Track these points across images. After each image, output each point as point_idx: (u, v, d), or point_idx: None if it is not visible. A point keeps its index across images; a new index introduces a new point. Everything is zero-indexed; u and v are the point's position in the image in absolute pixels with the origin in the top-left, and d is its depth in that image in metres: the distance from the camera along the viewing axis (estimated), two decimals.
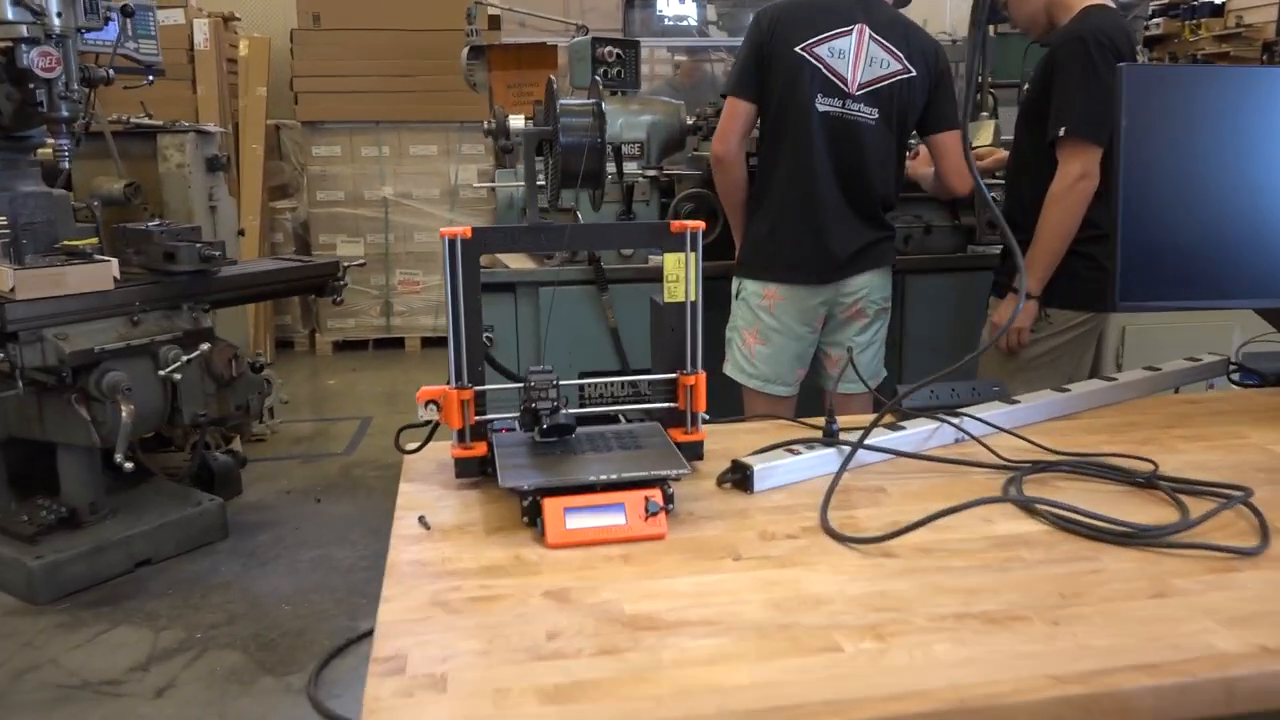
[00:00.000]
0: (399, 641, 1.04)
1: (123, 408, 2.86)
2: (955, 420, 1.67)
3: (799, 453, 1.52)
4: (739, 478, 1.47)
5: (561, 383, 1.47)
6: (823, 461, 1.53)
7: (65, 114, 2.96)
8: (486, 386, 1.49)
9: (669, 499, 1.35)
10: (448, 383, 1.46)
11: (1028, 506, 1.36)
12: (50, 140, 3.09)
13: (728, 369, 2.59)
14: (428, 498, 1.46)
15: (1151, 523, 1.28)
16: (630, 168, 2.88)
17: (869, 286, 2.57)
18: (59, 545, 3.12)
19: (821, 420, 1.79)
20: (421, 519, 1.36)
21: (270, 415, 4.78)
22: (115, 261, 2.99)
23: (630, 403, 1.59)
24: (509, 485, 1.31)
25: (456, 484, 1.49)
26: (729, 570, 1.20)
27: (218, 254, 3.12)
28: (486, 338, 2.80)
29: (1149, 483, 1.44)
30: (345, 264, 3.84)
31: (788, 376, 2.55)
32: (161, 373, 2.98)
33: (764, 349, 2.52)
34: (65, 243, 3.06)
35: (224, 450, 4.07)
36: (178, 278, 3.11)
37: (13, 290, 2.74)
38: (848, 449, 1.53)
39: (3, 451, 3.40)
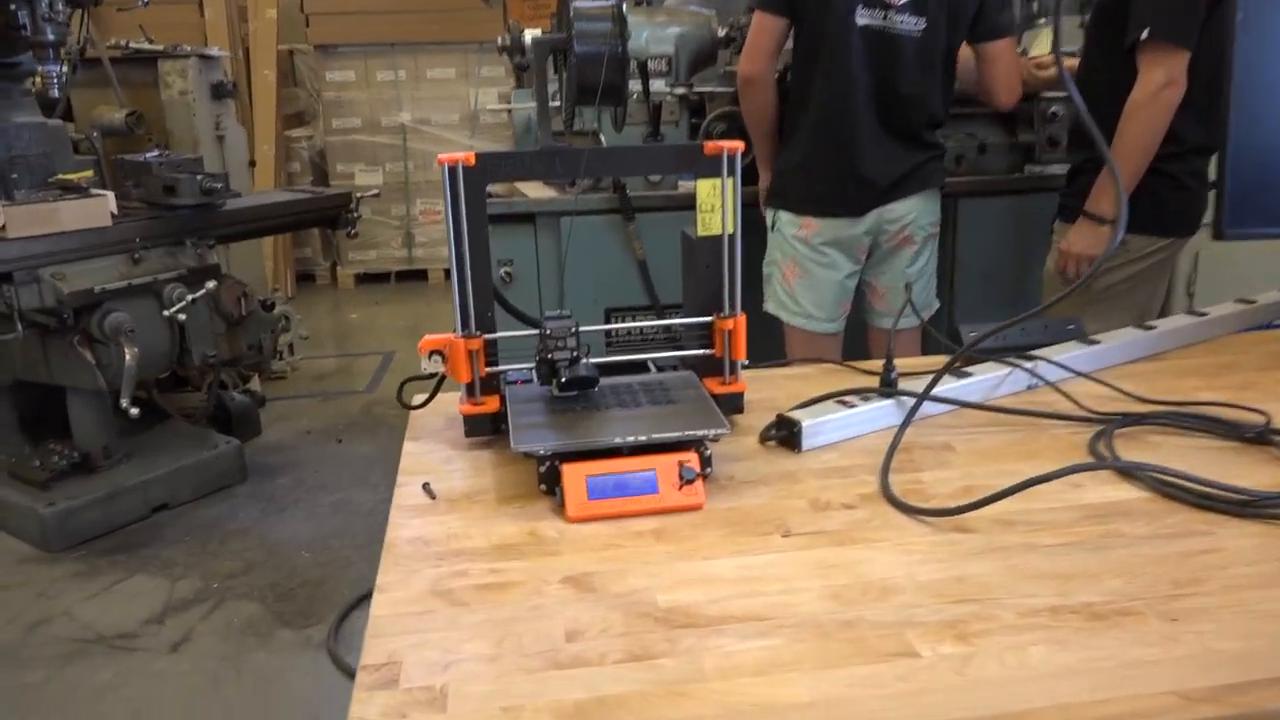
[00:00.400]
0: (393, 643, 0.89)
1: (126, 350, 2.73)
2: (1028, 364, 1.48)
3: (853, 405, 1.34)
4: (785, 434, 1.30)
5: (584, 328, 1.29)
6: (880, 415, 1.35)
7: (51, 37, 2.77)
8: (498, 334, 1.32)
9: (706, 462, 1.18)
10: (454, 330, 1.29)
11: (1129, 473, 1.17)
12: (39, 67, 2.91)
13: (769, 305, 2.40)
14: (434, 459, 1.30)
15: (1273, 488, 1.10)
16: (657, 85, 2.66)
17: (915, 211, 2.36)
18: (72, 491, 3.03)
19: (872, 364, 1.61)
20: (426, 486, 1.21)
21: (290, 352, 4.67)
22: (111, 195, 2.83)
23: (662, 347, 1.42)
24: (523, 449, 1.15)
25: (466, 443, 1.33)
26: (778, 549, 1.04)
27: (220, 186, 2.95)
28: (505, 273, 2.63)
29: (1260, 438, 1.25)
30: (359, 195, 3.66)
31: (832, 311, 2.36)
32: (166, 313, 2.84)
33: (804, 283, 2.33)
34: (60, 176, 2.90)
35: (241, 390, 3.96)
36: (179, 212, 2.95)
37: (3, 228, 2.59)
38: (908, 401, 1.35)
39: (12, 395, 3.30)
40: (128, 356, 2.73)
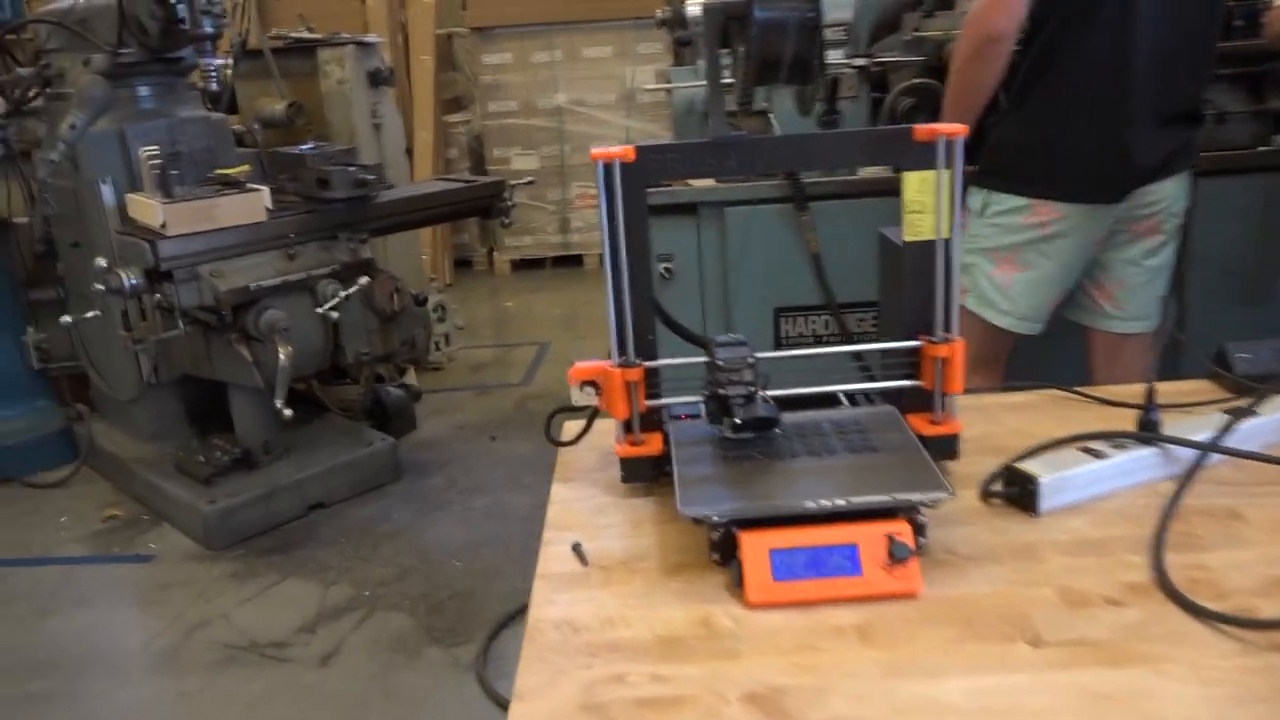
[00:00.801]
0: None
1: (280, 350, 2.70)
2: None
3: (1103, 455, 1.07)
4: (1016, 492, 1.05)
5: (760, 355, 1.08)
6: (1138, 467, 1.08)
7: (208, 29, 2.76)
8: (660, 362, 1.12)
9: (919, 531, 0.95)
10: (608, 356, 1.11)
11: None
12: (200, 60, 2.92)
13: (968, 302, 2.06)
14: (585, 510, 1.12)
15: None
16: (833, 56, 2.39)
17: (1171, 196, 1.99)
18: (233, 488, 3.05)
19: (1109, 390, 1.33)
20: (576, 548, 1.03)
21: (447, 342, 4.66)
22: (266, 191, 2.80)
23: (842, 358, 1.19)
24: (692, 514, 0.95)
25: (623, 489, 1.15)
26: (1025, 665, 0.80)
27: (372, 178, 2.88)
28: (664, 269, 2.43)
29: None
30: (512, 183, 3.54)
31: (1044, 312, 2.04)
32: (319, 310, 2.80)
33: (1024, 277, 1.99)
34: (218, 172, 2.90)
35: (398, 384, 3.94)
36: (333, 205, 2.90)
37: (164, 226, 2.60)
38: (1177, 452, 1.08)
39: (180, 389, 3.36)
40: (281, 356, 2.70)
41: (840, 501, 0.94)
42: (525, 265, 6.55)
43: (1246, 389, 1.27)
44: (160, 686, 2.31)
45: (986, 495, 1.07)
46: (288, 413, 2.70)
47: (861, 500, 0.94)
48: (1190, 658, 0.79)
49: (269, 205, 2.81)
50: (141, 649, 2.47)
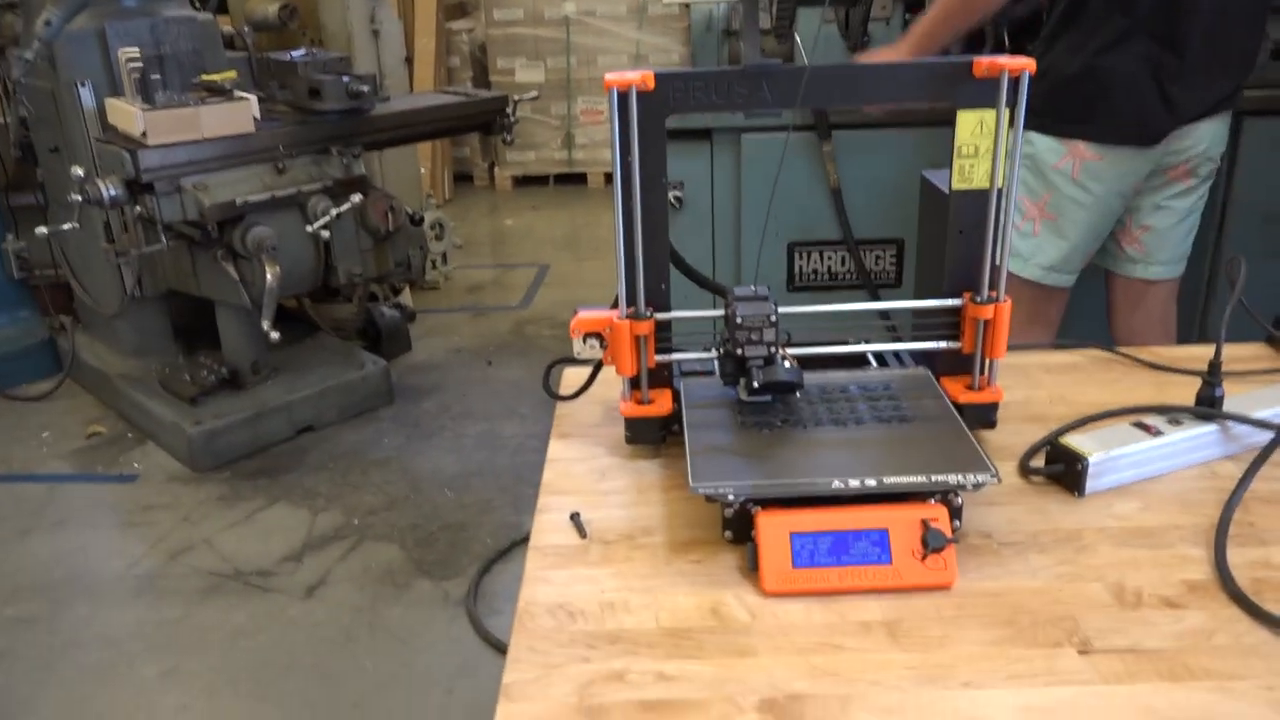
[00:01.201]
0: None
1: (267, 269, 2.59)
2: None
3: (1158, 432, 0.98)
4: (1062, 470, 0.96)
5: (782, 309, 0.98)
6: (1197, 447, 0.99)
7: None
8: (674, 314, 1.02)
9: (955, 515, 0.86)
10: (614, 305, 1.01)
11: None
12: None
13: None
14: (586, 473, 1.03)
15: None
16: None
17: (1210, 138, 1.86)
18: (219, 409, 2.97)
19: (1157, 352, 1.23)
20: (575, 519, 0.94)
21: (444, 261, 4.53)
22: (254, 99, 2.65)
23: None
24: (704, 491, 0.86)
25: (628, 449, 1.06)
26: (1075, 676, 0.72)
27: (367, 89, 2.73)
28: (674, 197, 2.31)
29: None
30: (515, 98, 3.38)
31: (1077, 263, 1.93)
32: (309, 228, 2.68)
33: (1054, 227, 1.88)
34: (204, 77, 2.75)
35: (392, 303, 3.83)
36: (325, 117, 2.76)
37: (144, 135, 2.46)
38: (1241, 431, 0.99)
39: (166, 304, 3.26)
40: (269, 275, 2.59)
41: (870, 482, 0.85)
42: (527, 182, 6.38)
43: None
44: (141, 614, 2.26)
45: (1026, 471, 0.99)
46: (275, 335, 2.61)
47: (894, 481, 0.85)
48: (1261, 674, 0.71)
49: (257, 115, 2.66)
50: (123, 573, 2.42)
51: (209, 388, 3.03)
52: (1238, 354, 1.22)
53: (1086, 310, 2.03)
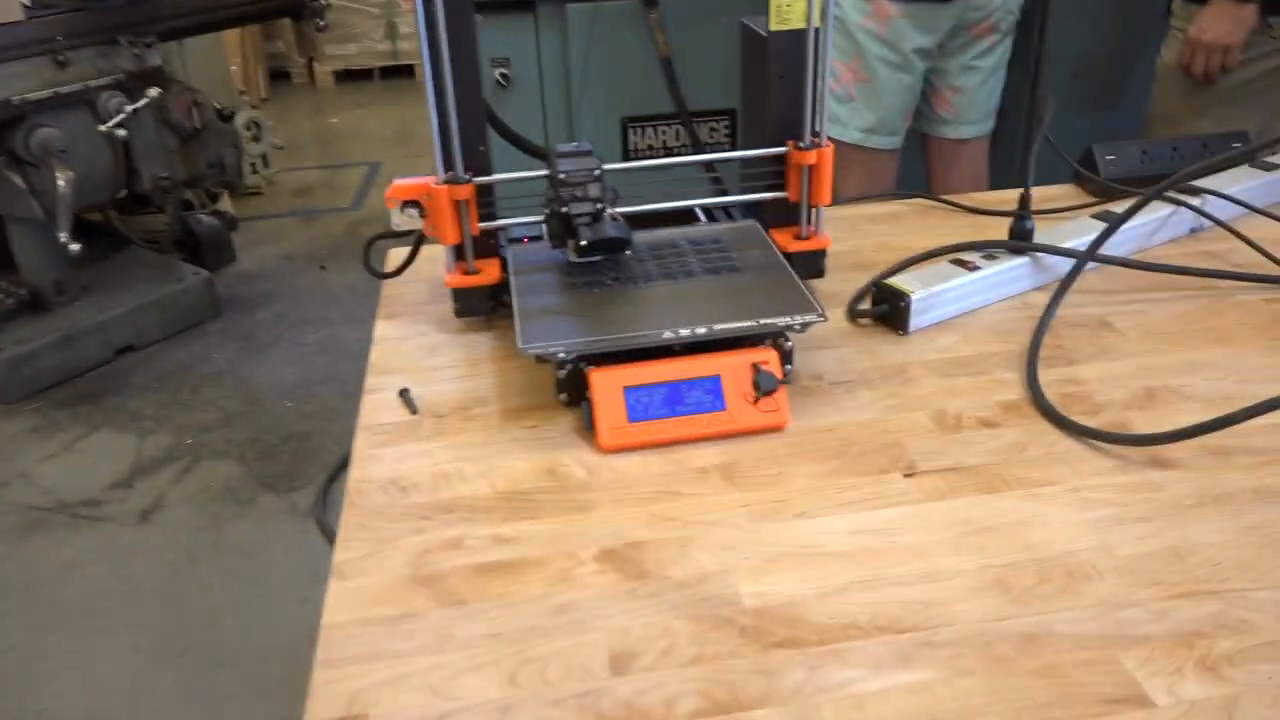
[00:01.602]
0: (354, 680, 0.61)
1: (59, 175, 2.37)
2: (1194, 200, 1.14)
3: (974, 267, 1.02)
4: (886, 310, 0.99)
5: (608, 166, 0.96)
6: (1011, 279, 1.04)
7: None
8: (494, 178, 0.98)
9: (786, 359, 0.87)
10: (433, 172, 0.96)
11: None
12: None
13: None
14: (414, 350, 1.00)
15: None
16: None
17: None
18: (23, 335, 2.75)
19: (976, 198, 1.28)
20: (404, 394, 0.91)
21: (265, 164, 4.27)
22: None
23: (710, 189, 1.08)
24: (535, 351, 0.84)
25: (457, 324, 1.03)
26: (901, 497, 0.75)
27: None
28: (500, 75, 2.23)
29: None
30: None
31: (896, 123, 1.97)
32: (103, 127, 2.46)
33: (868, 90, 1.92)
34: None
35: (209, 211, 3.60)
36: (108, 2, 2.51)
37: None
38: (1049, 261, 1.03)
39: None
40: (61, 181, 2.39)
41: (701, 330, 0.85)
42: (351, 77, 6.06)
43: (1113, 192, 1.23)
44: None
45: (854, 315, 1.01)
46: (74, 247, 2.42)
47: (725, 328, 0.85)
48: (1069, 480, 0.76)
49: (27, 1, 2.40)
50: None
51: (7, 312, 2.80)
52: (1048, 194, 1.28)
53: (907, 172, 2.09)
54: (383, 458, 0.83)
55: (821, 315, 0.86)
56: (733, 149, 2.41)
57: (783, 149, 1.01)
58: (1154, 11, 2.19)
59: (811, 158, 0.99)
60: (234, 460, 2.40)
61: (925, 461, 0.78)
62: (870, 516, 0.73)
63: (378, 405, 0.91)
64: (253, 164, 4.26)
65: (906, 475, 0.77)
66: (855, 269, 1.11)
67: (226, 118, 2.87)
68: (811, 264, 1.04)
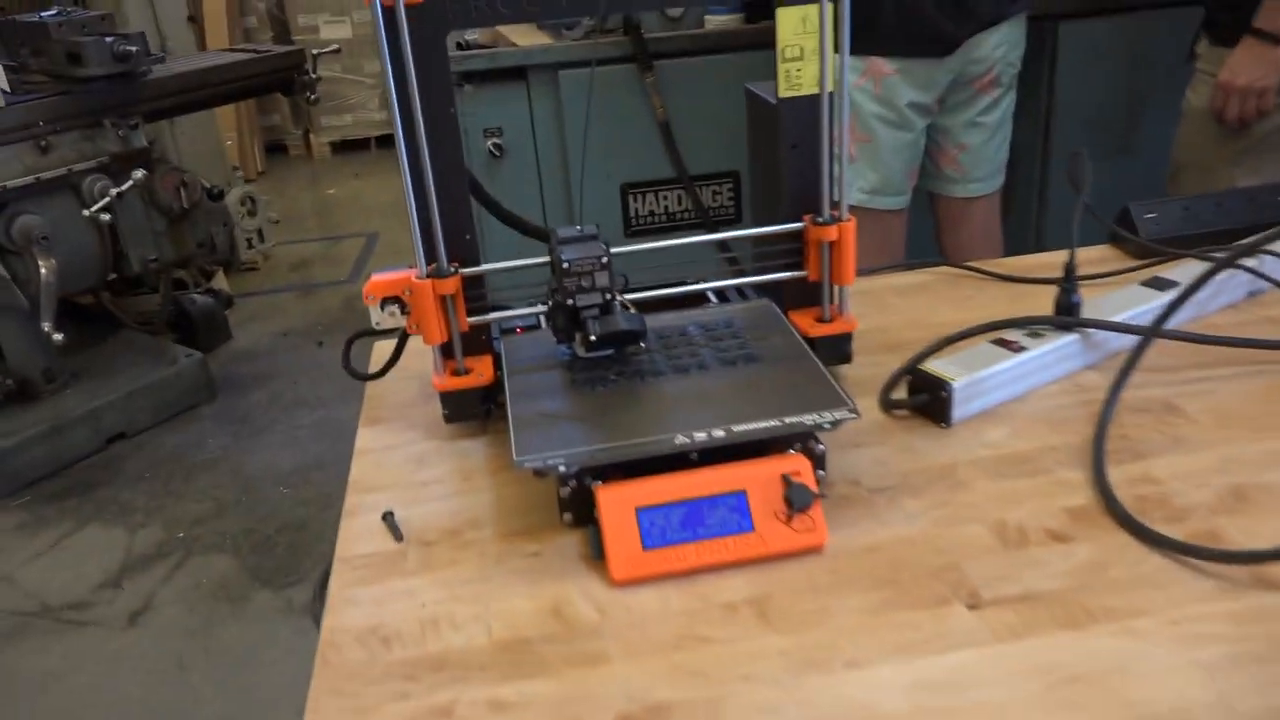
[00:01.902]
0: None
1: (41, 263, 2.30)
2: (1251, 261, 1.04)
3: (1020, 347, 0.91)
4: (926, 400, 0.88)
5: (614, 250, 0.86)
6: (1060, 359, 0.93)
7: None
8: (484, 268, 0.88)
9: (819, 462, 0.77)
10: (415, 265, 0.86)
11: None
12: None
13: None
14: (400, 462, 0.89)
15: None
16: None
17: (1007, 43, 1.85)
18: (11, 426, 2.65)
19: (1004, 264, 1.18)
20: (388, 519, 0.80)
21: (260, 238, 4.23)
22: (1, 68, 2.33)
23: (723, 266, 0.98)
24: (532, 466, 0.73)
25: (447, 431, 0.92)
26: (966, 637, 0.64)
27: (135, 49, 2.44)
28: (493, 145, 2.15)
29: None
30: (315, 52, 3.12)
31: (900, 183, 1.89)
32: (87, 212, 2.39)
33: (868, 148, 1.84)
34: None
35: (203, 289, 3.52)
36: (90, 85, 2.45)
37: None
38: (1102, 338, 0.93)
39: None
40: (43, 270, 2.31)
41: (719, 433, 0.74)
42: (347, 147, 6.05)
43: (1151, 253, 1.14)
44: None
45: (889, 406, 0.90)
46: (58, 336, 2.34)
47: (746, 429, 0.75)
48: (1163, 607, 0.64)
49: (6, 88, 2.34)
50: None
51: None
52: (1084, 258, 1.17)
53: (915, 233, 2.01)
54: (361, 600, 0.72)
55: (854, 411, 0.76)
56: (737, 213, 2.34)
57: (799, 224, 0.91)
58: (1166, 58, 2.12)
59: (832, 233, 0.89)
60: (227, 554, 2.28)
61: (990, 588, 0.67)
62: (933, 664, 0.62)
63: (358, 532, 0.80)
64: (248, 239, 4.21)
65: (970, 607, 0.66)
66: (885, 350, 1.00)
67: (216, 196, 2.80)
68: (837, 349, 0.94)
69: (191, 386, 3.01)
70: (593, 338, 0.82)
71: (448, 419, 0.91)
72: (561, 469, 0.73)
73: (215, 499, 2.51)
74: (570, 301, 0.82)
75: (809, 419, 0.75)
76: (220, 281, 3.72)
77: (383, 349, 1.03)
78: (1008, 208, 2.18)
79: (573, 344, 0.87)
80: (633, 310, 0.85)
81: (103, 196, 2.41)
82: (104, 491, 2.58)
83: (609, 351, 0.88)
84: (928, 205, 2.05)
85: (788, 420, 0.75)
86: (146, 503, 2.51)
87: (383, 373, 0.98)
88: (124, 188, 2.43)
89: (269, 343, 3.47)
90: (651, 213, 2.22)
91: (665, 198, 2.22)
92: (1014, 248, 2.31)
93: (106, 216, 2.41)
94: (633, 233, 2.23)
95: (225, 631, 2.03)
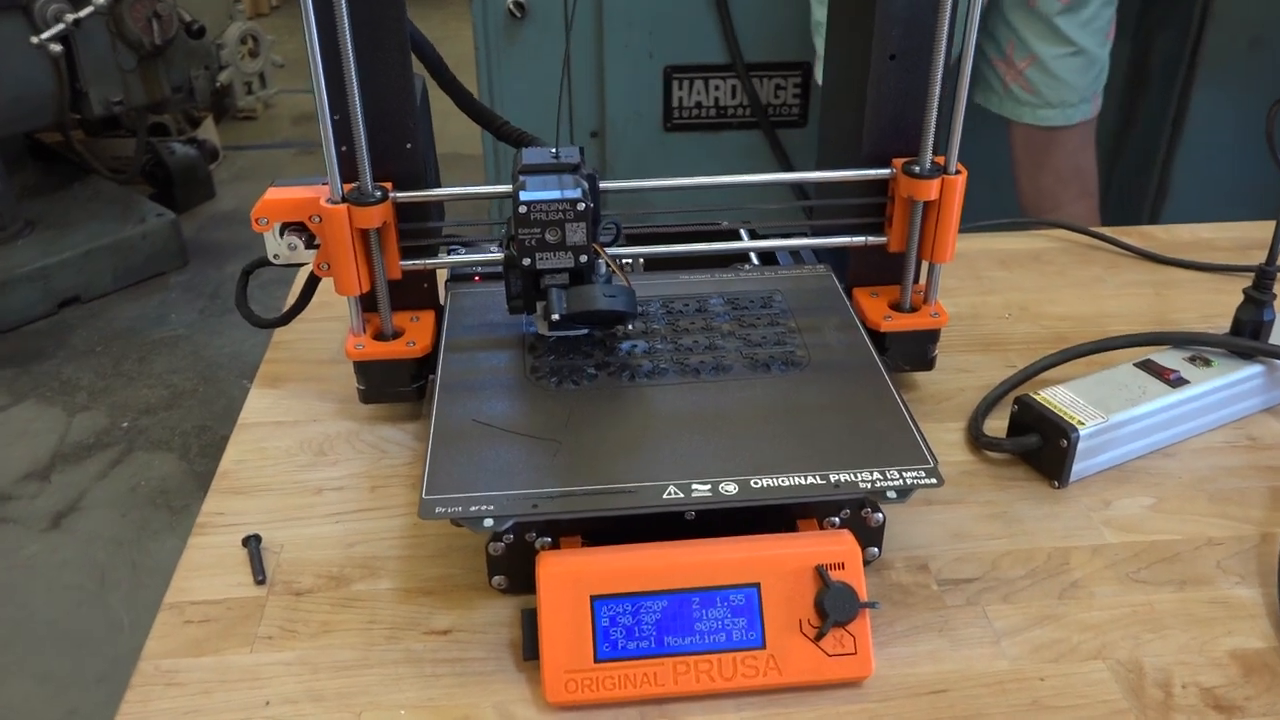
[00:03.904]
0: None
1: None
2: None
3: (1178, 380, 0.68)
4: (1035, 444, 0.66)
5: (614, 185, 0.64)
6: (1229, 397, 0.70)
7: None
8: (425, 193, 0.66)
9: (872, 537, 0.56)
10: (328, 183, 0.64)
11: None
12: None
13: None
14: (292, 449, 0.69)
15: None
16: None
17: None
18: None
19: (1143, 232, 0.93)
20: (251, 545, 0.60)
21: (262, 83, 4.00)
22: None
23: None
24: (444, 513, 0.52)
25: (366, 412, 0.72)
26: None
27: None
28: (514, 3, 1.88)
29: None
30: None
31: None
32: (35, 40, 2.16)
33: None
34: None
35: (186, 139, 3.30)
36: None
37: None
38: None
39: None
40: None
41: (729, 488, 0.53)
42: None
43: None
44: None
45: (980, 441, 0.68)
46: None
47: (771, 486, 0.53)
48: None
49: None
50: None
51: None
52: (1244, 235, 0.93)
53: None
54: (181, 681, 0.53)
55: (936, 474, 0.54)
56: (802, 114, 2.07)
57: (885, 171, 0.68)
58: None
59: (931, 189, 0.66)
60: (174, 454, 2.12)
61: None
62: None
63: (205, 559, 0.60)
64: (247, 83, 3.98)
65: None
66: (976, 347, 0.78)
67: (197, 33, 2.55)
68: (915, 351, 0.72)
69: (160, 250, 2.81)
70: (555, 316, 0.60)
71: (364, 396, 0.70)
72: (488, 524, 0.52)
73: (170, 386, 2.34)
74: (527, 261, 0.60)
75: (868, 479, 0.54)
76: (208, 130, 3.49)
77: (300, 281, 0.82)
78: (1123, 147, 1.90)
79: (533, 317, 0.65)
80: (621, 276, 0.63)
81: (56, 22, 2.18)
82: (46, 364, 2.41)
83: (582, 331, 0.66)
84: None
85: (836, 478, 0.54)
86: (92, 382, 2.35)
87: (285, 319, 0.77)
88: (82, 14, 2.19)
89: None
90: (698, 104, 1.96)
91: (716, 87, 1.95)
92: (1127, 204, 2.03)
93: (58, 48, 2.17)
94: (673, 126, 1.98)
95: (159, 546, 1.88)
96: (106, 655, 1.67)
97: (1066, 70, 1.60)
